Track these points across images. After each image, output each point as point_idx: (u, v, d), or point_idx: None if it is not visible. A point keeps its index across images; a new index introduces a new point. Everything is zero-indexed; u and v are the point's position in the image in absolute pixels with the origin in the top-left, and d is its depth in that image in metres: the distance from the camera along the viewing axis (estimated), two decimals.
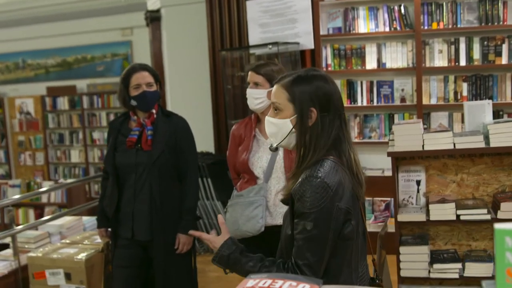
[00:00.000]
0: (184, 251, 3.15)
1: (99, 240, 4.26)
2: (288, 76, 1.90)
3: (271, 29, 5.39)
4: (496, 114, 5.12)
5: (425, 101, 5.25)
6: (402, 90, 5.38)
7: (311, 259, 1.73)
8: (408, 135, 3.34)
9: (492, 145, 3.26)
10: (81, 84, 10.16)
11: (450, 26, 5.18)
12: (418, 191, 3.57)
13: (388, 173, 5.25)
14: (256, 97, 2.98)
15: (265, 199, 2.94)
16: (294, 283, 1.15)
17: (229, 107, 5.48)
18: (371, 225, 5.27)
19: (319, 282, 1.16)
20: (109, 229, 3.29)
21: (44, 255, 4.02)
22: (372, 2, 5.35)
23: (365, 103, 5.44)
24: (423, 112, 5.27)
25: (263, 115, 3.07)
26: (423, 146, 3.35)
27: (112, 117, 9.91)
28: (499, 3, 5.05)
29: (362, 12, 5.37)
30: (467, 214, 3.29)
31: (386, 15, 5.31)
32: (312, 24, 5.19)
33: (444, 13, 5.18)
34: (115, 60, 9.94)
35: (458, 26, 5.16)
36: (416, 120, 3.58)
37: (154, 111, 3.16)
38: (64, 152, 10.37)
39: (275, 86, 1.91)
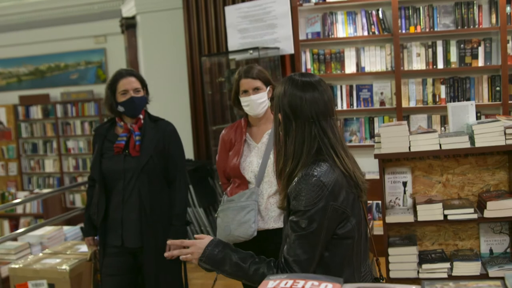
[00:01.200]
0: (174, 257, 3.11)
1: (82, 249, 4.21)
2: (282, 80, 1.94)
3: (250, 34, 5.39)
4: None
5: (404, 104, 5.31)
6: (381, 93, 5.43)
7: (302, 256, 1.75)
8: (395, 137, 3.36)
9: (477, 145, 3.30)
10: (55, 93, 10.00)
11: (427, 30, 5.26)
12: (404, 192, 3.60)
13: (370, 176, 5.29)
14: (260, 102, 2.98)
15: (257, 204, 2.93)
16: (316, 283, 1.14)
17: (209, 113, 5.46)
18: None
19: (340, 281, 1.15)
20: (96, 238, 3.23)
21: (26, 266, 3.93)
22: (350, 7, 5.40)
23: (345, 107, 5.47)
24: (403, 115, 5.32)
25: (253, 120, 3.07)
26: (409, 147, 3.38)
27: (86, 125, 9.80)
28: (474, 7, 5.15)
29: (340, 16, 5.41)
30: (454, 214, 3.33)
31: (364, 20, 5.36)
32: (291, 29, 5.20)
33: (421, 17, 5.25)
34: (89, 68, 9.82)
35: (435, 29, 5.24)
36: (401, 122, 3.61)
37: (141, 116, 3.13)
38: (38, 162, 10.19)
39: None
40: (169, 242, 2.18)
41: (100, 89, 9.76)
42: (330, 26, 5.43)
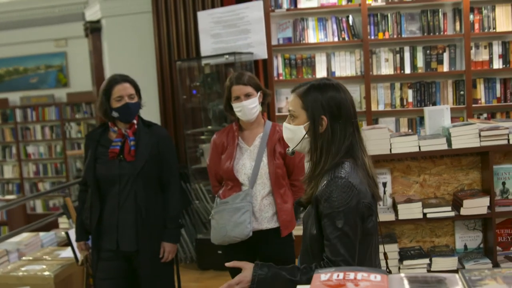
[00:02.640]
0: (169, 260, 3.17)
1: (63, 255, 4.19)
2: (303, 85, 2.02)
3: (223, 40, 5.46)
4: None
5: (373, 107, 5.49)
6: None
7: (346, 254, 1.82)
8: (377, 140, 3.50)
9: (453, 146, 3.48)
10: (14, 97, 9.80)
11: (395, 36, 5.45)
12: (384, 193, 3.75)
13: None
14: (252, 107, 3.06)
15: (251, 205, 3.01)
16: (365, 274, 1.23)
17: (185, 117, 5.50)
18: None
19: (385, 272, 1.25)
20: (88, 242, 3.24)
21: (7, 273, 3.89)
22: (321, 13, 5.55)
23: None
24: (372, 118, 5.50)
25: (245, 124, 3.15)
26: (390, 149, 3.53)
27: (47, 130, 9.64)
28: (439, 14, 5.38)
29: (311, 22, 5.55)
30: (433, 212, 3.50)
31: (334, 26, 5.51)
32: (265, 34, 5.30)
33: (389, 24, 5.44)
34: (49, 71, 9.67)
35: (403, 36, 5.44)
36: (382, 125, 3.76)
37: (135, 121, 3.16)
38: None
39: (291, 95, 2.02)
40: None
41: (61, 93, 9.63)
42: (301, 32, 5.56)
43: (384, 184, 3.76)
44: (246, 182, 3.06)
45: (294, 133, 2.01)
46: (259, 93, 3.12)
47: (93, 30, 7.52)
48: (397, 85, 5.51)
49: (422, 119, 5.48)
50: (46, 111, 9.57)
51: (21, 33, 9.45)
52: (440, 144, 3.50)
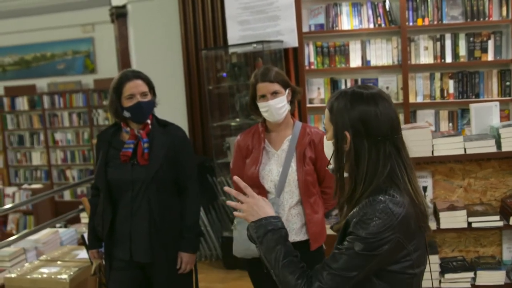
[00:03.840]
0: (187, 271, 2.92)
1: (81, 255, 4.00)
2: (336, 93, 1.73)
3: (251, 27, 5.16)
4: None
5: (411, 99, 5.14)
6: (387, 88, 5.25)
7: (338, 270, 1.59)
8: (417, 141, 3.19)
9: (504, 149, 3.15)
10: (41, 83, 9.68)
11: (435, 22, 5.07)
12: (425, 197, 3.44)
13: None
14: (279, 107, 2.77)
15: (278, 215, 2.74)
16: None
17: (211, 109, 5.23)
18: None
19: None
20: (101, 250, 3.02)
21: (22, 275, 3.73)
22: None
23: None
24: (410, 110, 5.15)
25: (272, 125, 2.86)
26: (432, 151, 3.21)
27: (74, 117, 9.51)
28: None
29: (345, 8, 5.21)
30: (479, 222, 3.19)
31: (370, 11, 5.16)
32: (295, 21, 4.98)
33: (429, 9, 5.06)
34: (77, 57, 9.51)
35: (443, 22, 5.06)
36: (423, 124, 3.43)
37: (149, 121, 2.90)
38: (24, 154, 9.89)
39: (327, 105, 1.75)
40: (226, 189, 1.96)
41: (88, 80, 9.48)
42: (334, 18, 5.22)
43: (425, 188, 3.44)
44: (273, 190, 2.78)
45: (329, 149, 1.75)
46: (287, 91, 2.83)
47: (119, 15, 7.29)
48: (437, 75, 5.14)
49: (463, 112, 5.12)
50: (74, 98, 9.43)
51: (48, 18, 9.29)
52: (488, 147, 3.17)
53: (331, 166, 1.75)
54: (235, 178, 1.99)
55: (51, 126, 9.67)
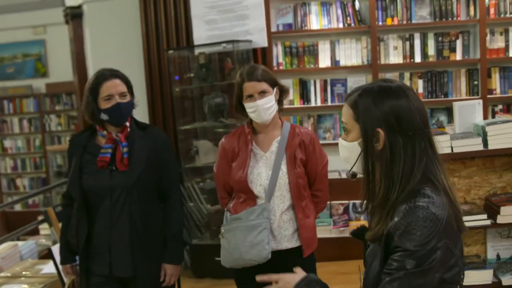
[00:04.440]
0: (171, 284, 2.73)
1: (45, 270, 3.74)
2: (355, 91, 1.59)
3: (219, 26, 5.00)
4: (452, 111, 5.04)
5: None
6: None
7: None
8: None
9: (490, 147, 3.09)
10: None
11: (404, 22, 5.04)
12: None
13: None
14: (268, 107, 2.62)
15: (269, 221, 2.59)
16: None
17: (177, 112, 5.02)
18: (332, 231, 5.03)
19: None
20: (75, 264, 2.79)
21: None
22: None
23: (319, 103, 5.19)
24: None
25: (260, 126, 2.71)
26: None
27: (25, 123, 9.10)
28: None
29: (314, 7, 5.12)
30: (467, 221, 3.11)
31: (339, 11, 5.08)
32: (265, 20, 4.85)
33: (398, 8, 5.02)
34: (27, 61, 9.10)
35: (412, 21, 5.03)
36: None
37: (127, 124, 2.70)
38: None
39: (344, 104, 1.60)
40: (258, 278, 1.77)
41: (39, 84, 9.08)
42: (303, 18, 5.12)
43: None
44: (262, 194, 2.63)
45: (350, 151, 1.60)
46: (275, 90, 2.68)
47: (74, 16, 7.00)
48: (407, 74, 5.12)
49: (433, 111, 5.11)
50: (24, 103, 9.03)
51: None
52: (475, 145, 3.11)
53: (355, 170, 1.61)
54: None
55: (0, 133, 9.22)
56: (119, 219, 2.59)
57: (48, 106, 9.02)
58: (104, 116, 2.60)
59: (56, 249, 3.16)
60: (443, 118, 5.09)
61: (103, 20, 6.49)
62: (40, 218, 4.76)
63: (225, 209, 2.78)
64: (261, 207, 2.58)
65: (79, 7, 6.86)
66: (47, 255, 4.28)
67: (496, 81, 5.05)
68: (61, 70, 8.68)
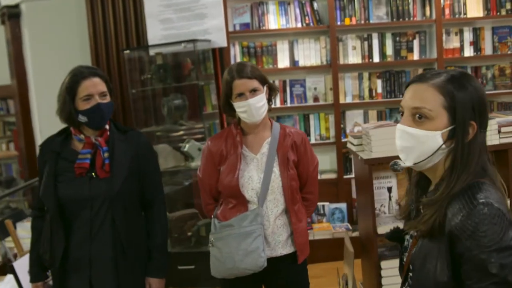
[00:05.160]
0: None
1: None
2: (436, 74, 1.47)
3: (175, 25, 4.80)
4: None
5: (340, 99, 5.04)
6: (315, 89, 5.13)
7: None
8: (386, 139, 3.04)
9: None
10: None
11: (362, 22, 5.02)
12: (390, 199, 3.30)
13: (326, 176, 5.00)
14: (260, 106, 2.47)
15: (262, 227, 2.45)
16: None
17: (134, 114, 4.78)
18: None
19: None
20: (47, 281, 2.55)
21: None
22: None
23: (278, 104, 5.08)
24: (340, 111, 5.05)
25: (249, 127, 2.57)
26: None
27: None
28: None
29: (271, 7, 5.02)
30: None
31: (297, 10, 5.01)
32: (224, 19, 4.70)
33: (356, 8, 5.00)
34: None
35: (370, 21, 5.02)
36: (389, 122, 3.29)
37: (107, 127, 2.48)
38: None
39: (417, 85, 1.46)
40: None
41: None
42: (261, 17, 5.01)
43: (389, 189, 3.31)
44: (255, 199, 2.48)
45: (423, 142, 1.45)
46: (265, 88, 2.55)
47: (11, 15, 6.59)
48: (366, 75, 5.10)
49: (391, 111, 5.12)
50: None
51: None
52: None
53: (407, 163, 1.50)
54: None
55: None
56: (100, 231, 2.38)
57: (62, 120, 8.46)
58: (82, 118, 2.38)
59: (19, 266, 2.90)
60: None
61: (43, 20, 6.14)
62: None
63: (212, 216, 2.61)
64: (254, 212, 2.43)
65: (16, 6, 6.47)
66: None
67: None
68: None
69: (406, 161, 1.53)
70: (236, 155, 2.50)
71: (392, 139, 2.95)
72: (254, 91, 2.48)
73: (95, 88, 2.38)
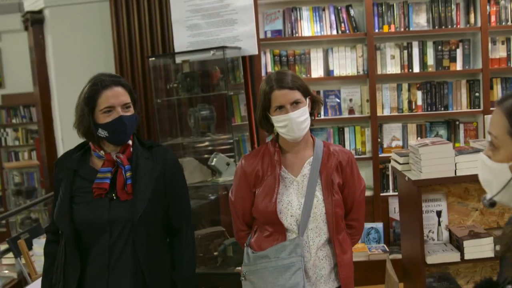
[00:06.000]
0: None
1: None
2: (509, 97, 1.20)
3: (203, 32, 4.54)
4: (453, 125, 4.74)
5: (378, 112, 4.73)
6: (350, 100, 4.82)
7: None
8: (438, 159, 2.73)
9: None
10: None
11: (402, 29, 4.71)
12: (439, 224, 2.98)
13: None
14: (302, 120, 2.20)
15: (303, 260, 2.15)
16: None
17: (159, 125, 4.51)
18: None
19: None
20: None
21: None
22: (316, 2, 4.74)
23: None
24: (377, 125, 4.74)
25: (288, 144, 2.28)
26: (455, 171, 2.76)
27: None
28: (452, 5, 4.67)
29: (305, 13, 4.73)
30: None
31: (333, 17, 4.71)
32: (255, 25, 4.43)
33: (395, 15, 4.69)
34: None
35: (411, 29, 4.71)
36: (442, 139, 2.97)
37: (130, 142, 2.22)
38: None
39: (496, 108, 1.22)
40: None
41: None
42: (294, 24, 4.73)
43: (439, 213, 2.99)
44: (294, 227, 2.18)
45: (494, 174, 1.26)
46: (307, 100, 2.26)
47: (34, 22, 6.43)
48: (405, 85, 4.77)
49: (432, 125, 4.78)
50: None
51: None
52: None
53: (489, 198, 1.23)
54: None
55: None
56: (120, 261, 2.10)
57: (4, 119, 8.37)
58: (102, 133, 2.11)
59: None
60: (442, 132, 4.76)
61: (67, 26, 5.97)
62: (3, 247, 4.20)
63: (245, 244, 2.32)
64: (293, 242, 2.14)
65: (40, 12, 6.31)
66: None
67: (498, 93, 4.77)
68: (18, 80, 8.06)
69: (489, 194, 1.31)
70: (273, 176, 2.21)
71: (444, 158, 2.66)
72: (295, 104, 2.19)
73: (117, 99, 2.11)
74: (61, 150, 6.06)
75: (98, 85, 2.12)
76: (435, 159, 2.72)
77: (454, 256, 2.78)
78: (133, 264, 2.10)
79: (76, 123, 2.15)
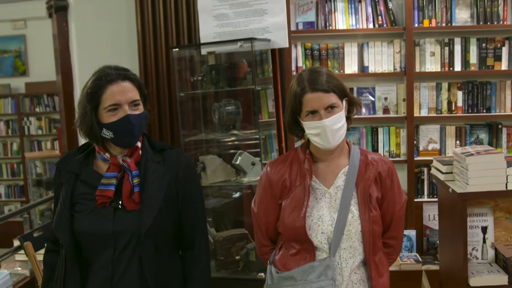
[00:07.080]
0: None
1: None
2: None
3: (231, 22, 4.29)
4: (495, 128, 4.41)
5: (415, 112, 4.42)
6: (385, 99, 4.52)
7: None
8: (487, 170, 2.43)
9: None
10: None
11: (443, 24, 4.39)
12: (484, 241, 2.69)
13: None
14: (338, 128, 1.93)
15: (334, 284, 1.89)
16: None
17: (177, 120, 4.28)
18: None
19: None
20: None
21: None
22: None
23: None
24: (413, 126, 4.43)
25: (321, 152, 2.01)
26: (506, 184, 2.46)
27: (2, 125, 8.30)
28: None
29: (340, 4, 4.44)
30: None
31: (369, 9, 4.41)
32: (286, 16, 4.16)
33: (437, 9, 4.37)
34: (5, 57, 8.36)
35: (453, 24, 4.38)
36: (491, 148, 2.67)
37: (139, 144, 1.97)
38: None
39: None
40: None
41: (18, 83, 8.33)
42: (327, 16, 4.45)
43: (484, 229, 2.69)
44: (325, 246, 1.92)
45: None
46: (344, 103, 1.99)
47: (58, 9, 6.27)
48: (445, 85, 4.46)
49: (472, 127, 4.45)
50: (1, 103, 8.25)
51: None
52: None
53: None
54: None
55: None
56: (124, 277, 1.87)
57: (27, 107, 8.30)
58: (107, 133, 1.87)
59: None
60: (483, 136, 4.44)
61: (91, 14, 5.81)
62: (16, 243, 4.04)
63: (268, 262, 2.06)
64: (323, 263, 1.88)
65: None
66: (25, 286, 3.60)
67: None
68: (42, 68, 7.97)
69: None
70: (303, 187, 1.95)
71: (494, 169, 2.36)
72: (330, 108, 1.93)
73: (124, 95, 1.87)
74: (81, 141, 5.92)
75: (102, 79, 1.88)
76: (484, 170, 2.42)
77: (501, 279, 2.49)
78: (139, 282, 1.87)
79: (78, 122, 1.91)
